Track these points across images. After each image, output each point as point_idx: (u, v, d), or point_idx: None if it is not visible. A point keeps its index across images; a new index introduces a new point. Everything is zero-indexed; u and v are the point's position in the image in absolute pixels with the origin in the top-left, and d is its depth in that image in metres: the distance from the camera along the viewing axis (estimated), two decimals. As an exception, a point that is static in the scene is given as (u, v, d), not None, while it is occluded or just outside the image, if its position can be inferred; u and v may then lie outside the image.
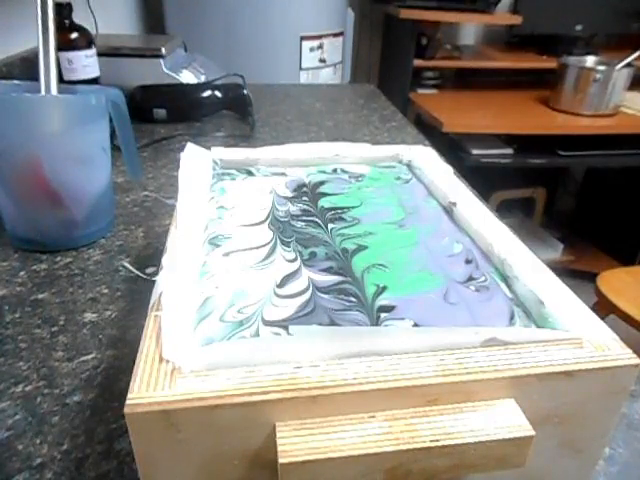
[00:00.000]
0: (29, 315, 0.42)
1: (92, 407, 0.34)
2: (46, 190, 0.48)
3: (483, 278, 0.31)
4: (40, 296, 0.44)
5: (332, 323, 0.27)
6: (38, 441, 0.31)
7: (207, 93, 0.87)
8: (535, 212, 2.15)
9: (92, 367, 0.37)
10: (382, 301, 0.29)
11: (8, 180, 0.48)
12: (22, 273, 0.47)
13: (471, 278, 0.31)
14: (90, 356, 0.38)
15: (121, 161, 0.56)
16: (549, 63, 1.89)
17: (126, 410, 0.21)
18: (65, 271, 0.48)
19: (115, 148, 0.55)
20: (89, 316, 0.42)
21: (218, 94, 0.88)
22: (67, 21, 0.79)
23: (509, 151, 1.84)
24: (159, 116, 0.87)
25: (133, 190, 0.63)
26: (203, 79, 0.97)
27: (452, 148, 1.85)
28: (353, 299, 0.29)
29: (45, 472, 0.29)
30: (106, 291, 0.45)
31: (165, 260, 0.29)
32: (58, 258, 0.49)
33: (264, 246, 0.33)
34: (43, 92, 0.50)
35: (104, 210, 0.54)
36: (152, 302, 0.26)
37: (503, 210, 2.04)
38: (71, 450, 0.31)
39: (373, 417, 0.22)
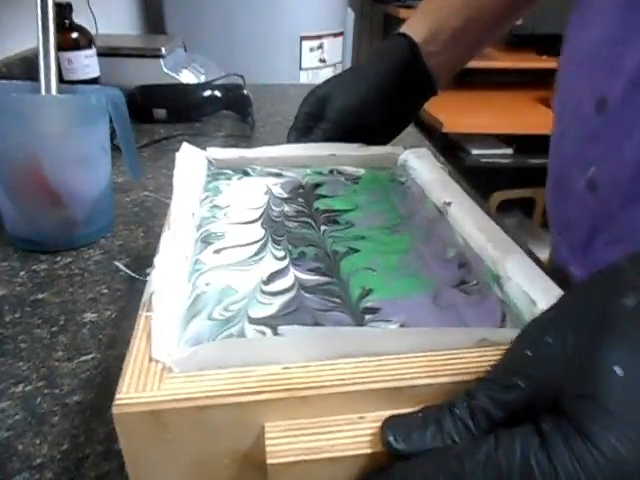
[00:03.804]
0: (29, 315, 0.42)
1: (92, 407, 0.34)
2: (46, 190, 0.48)
3: (475, 281, 0.31)
4: (40, 296, 0.44)
5: (315, 323, 0.27)
6: (38, 441, 0.31)
7: (207, 93, 0.87)
8: (535, 212, 2.16)
9: (92, 367, 0.37)
10: (367, 303, 0.29)
11: (8, 180, 0.48)
12: (22, 273, 0.47)
13: (463, 282, 0.31)
14: (90, 356, 0.38)
15: (121, 161, 0.56)
16: (549, 63, 1.90)
17: (114, 410, 0.20)
18: (65, 271, 0.48)
19: (115, 148, 0.54)
20: (89, 316, 0.42)
21: (218, 94, 0.88)
22: (67, 21, 0.79)
23: (509, 151, 1.84)
24: (159, 116, 0.87)
25: (133, 190, 0.63)
26: (203, 79, 0.97)
27: (452, 148, 1.85)
28: (337, 300, 0.29)
29: (45, 472, 0.29)
30: (106, 291, 0.45)
31: (157, 260, 0.29)
32: (58, 258, 0.49)
33: (255, 243, 0.34)
34: (43, 92, 0.50)
35: (104, 210, 0.54)
36: (143, 302, 0.26)
37: (503, 210, 2.04)
38: (71, 450, 0.31)
39: (362, 418, 0.22)
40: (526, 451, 0.18)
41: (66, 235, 0.51)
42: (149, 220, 0.57)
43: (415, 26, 0.51)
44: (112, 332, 0.40)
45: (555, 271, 0.47)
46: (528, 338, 0.21)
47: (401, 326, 0.27)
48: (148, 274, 0.28)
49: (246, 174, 0.45)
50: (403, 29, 0.52)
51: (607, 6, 0.36)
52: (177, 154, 0.41)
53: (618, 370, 0.18)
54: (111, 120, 0.51)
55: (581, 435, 0.18)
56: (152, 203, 0.60)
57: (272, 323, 0.26)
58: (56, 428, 0.32)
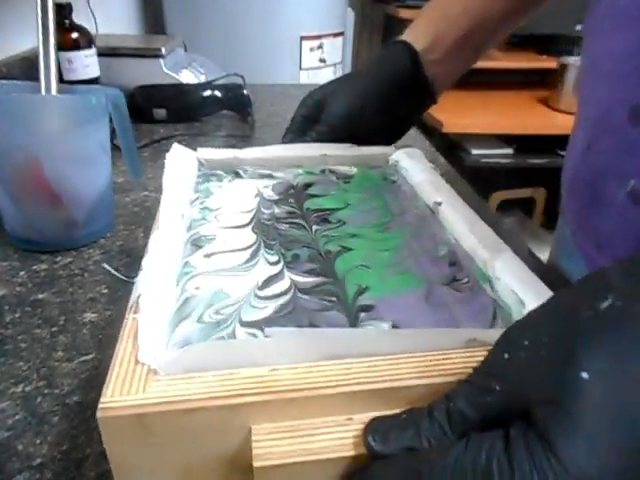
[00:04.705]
0: (29, 315, 0.42)
1: (92, 407, 0.33)
2: (46, 190, 0.48)
3: (466, 279, 0.31)
4: (40, 296, 0.44)
5: (311, 324, 0.27)
6: (38, 441, 0.31)
7: (207, 93, 0.87)
8: (535, 212, 2.16)
9: (92, 367, 0.37)
10: (363, 301, 0.29)
11: (8, 180, 0.48)
12: (22, 273, 0.47)
13: (454, 280, 0.31)
14: (90, 356, 0.38)
15: (121, 161, 0.56)
16: (549, 63, 1.90)
17: (98, 414, 0.20)
18: (65, 271, 0.48)
19: (115, 148, 0.55)
20: (89, 316, 0.42)
21: (218, 94, 0.88)
22: (67, 21, 0.79)
23: (509, 151, 1.84)
24: (159, 116, 0.87)
25: (133, 190, 0.63)
26: (203, 79, 0.96)
27: (452, 148, 1.85)
28: (334, 299, 0.29)
29: (45, 472, 0.29)
30: (106, 291, 0.45)
31: (145, 261, 0.28)
32: (58, 258, 0.49)
33: (247, 249, 0.33)
34: (43, 92, 0.50)
35: (104, 210, 0.54)
36: (130, 304, 0.26)
37: (503, 210, 2.04)
38: (71, 450, 0.31)
39: (350, 420, 0.22)
40: (490, 455, 0.18)
41: (66, 235, 0.51)
42: (149, 220, 0.57)
43: (417, 33, 0.51)
44: (112, 332, 0.40)
45: (555, 273, 0.47)
46: (507, 340, 0.21)
47: (393, 325, 0.27)
48: (132, 276, 0.28)
49: (237, 175, 0.44)
50: (404, 36, 0.51)
51: (629, 13, 0.34)
52: (167, 155, 0.41)
53: (585, 375, 0.17)
54: (111, 120, 0.51)
55: (543, 442, 0.17)
56: (152, 203, 0.60)
57: (265, 326, 0.26)
58: (56, 428, 0.32)
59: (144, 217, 0.57)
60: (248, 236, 0.35)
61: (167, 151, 0.42)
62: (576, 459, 0.17)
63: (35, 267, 0.48)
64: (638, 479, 0.17)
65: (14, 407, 0.33)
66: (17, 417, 0.33)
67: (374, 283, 0.30)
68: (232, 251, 0.33)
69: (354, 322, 0.27)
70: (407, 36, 0.51)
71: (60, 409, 0.33)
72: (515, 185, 2.09)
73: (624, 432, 0.17)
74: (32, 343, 0.39)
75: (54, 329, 0.40)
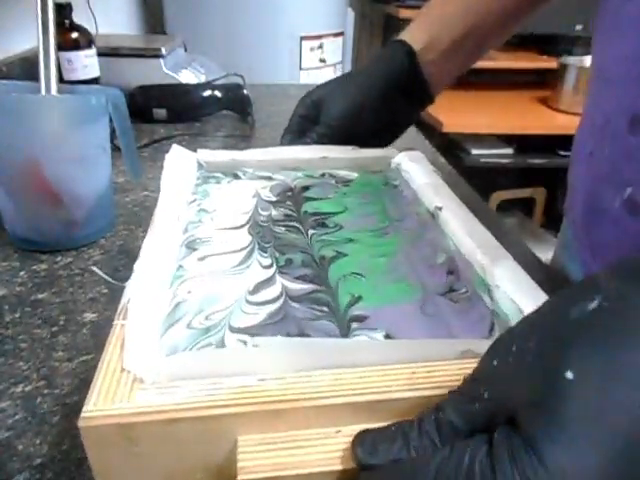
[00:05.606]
0: (29, 315, 0.42)
1: (92, 407, 0.34)
2: (46, 190, 0.48)
3: (464, 289, 0.30)
4: (40, 296, 0.44)
5: (301, 332, 0.26)
6: (38, 441, 0.31)
7: (207, 93, 0.87)
8: (535, 212, 2.15)
9: (92, 367, 0.37)
10: (355, 311, 0.28)
11: (8, 180, 0.48)
12: (22, 273, 0.47)
13: (452, 290, 0.30)
14: (90, 356, 0.38)
15: (121, 161, 0.56)
16: (549, 63, 1.90)
17: (80, 423, 0.20)
18: (65, 271, 0.47)
19: (115, 148, 0.54)
20: (89, 316, 0.42)
21: (218, 94, 0.87)
22: (67, 21, 0.79)
23: (509, 151, 1.84)
24: (159, 116, 0.87)
25: (133, 190, 0.63)
26: (203, 79, 0.96)
27: (452, 148, 1.85)
28: (325, 308, 0.28)
29: (45, 472, 0.29)
30: (106, 291, 0.45)
31: (137, 265, 0.28)
32: (58, 258, 0.49)
33: (241, 251, 0.33)
34: (43, 92, 0.50)
35: (104, 210, 0.54)
36: (120, 309, 0.26)
37: (503, 210, 2.04)
38: (71, 450, 0.31)
39: (339, 432, 0.21)
40: (473, 458, 0.18)
41: (66, 235, 0.51)
42: (149, 220, 0.57)
43: (414, 33, 0.51)
44: (112, 332, 0.40)
45: (558, 275, 0.47)
46: (497, 347, 0.21)
47: (386, 335, 0.26)
48: (122, 279, 0.27)
49: (237, 177, 0.44)
50: (402, 35, 0.51)
51: (634, 21, 0.34)
52: (167, 155, 0.41)
53: (570, 375, 0.17)
54: (111, 120, 0.51)
55: (526, 445, 0.17)
56: (152, 203, 0.60)
57: (254, 332, 0.26)
58: (56, 428, 0.32)
59: (144, 217, 0.57)
60: (243, 237, 0.34)
61: (167, 151, 0.42)
62: (559, 461, 0.16)
63: (35, 267, 0.48)
64: None
65: (14, 407, 0.33)
66: (17, 417, 0.33)
67: (368, 292, 0.29)
68: (226, 253, 0.32)
69: (346, 332, 0.26)
70: (405, 35, 0.51)
71: (60, 409, 0.33)
72: (515, 185, 2.09)
73: (608, 434, 0.16)
74: (32, 343, 0.39)
75: (54, 329, 0.40)
